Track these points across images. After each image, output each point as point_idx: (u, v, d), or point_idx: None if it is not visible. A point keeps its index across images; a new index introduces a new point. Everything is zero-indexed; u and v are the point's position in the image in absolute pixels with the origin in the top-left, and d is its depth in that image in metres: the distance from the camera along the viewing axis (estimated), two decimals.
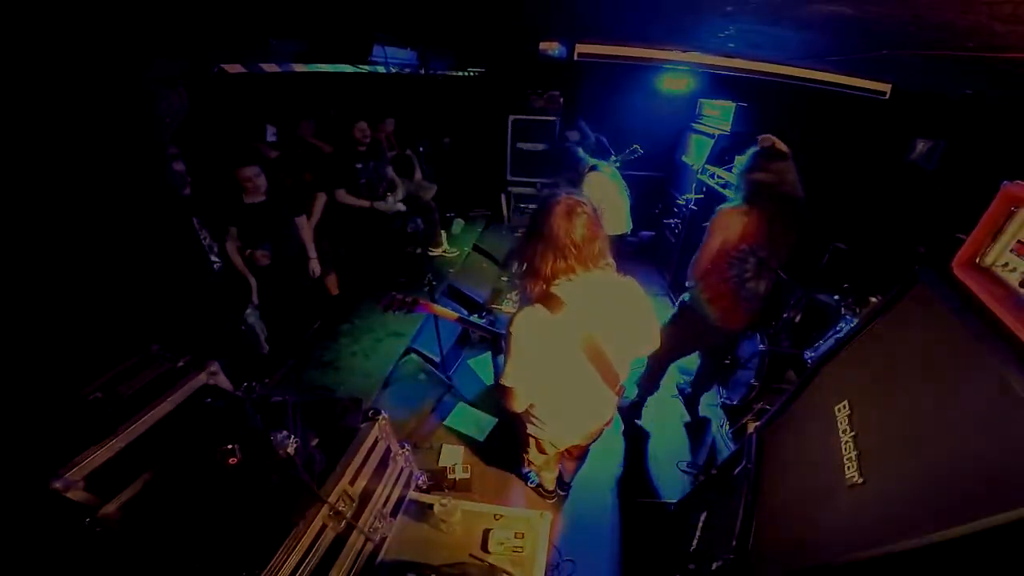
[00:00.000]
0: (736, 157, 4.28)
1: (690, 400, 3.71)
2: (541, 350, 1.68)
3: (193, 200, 3.24)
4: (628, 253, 4.81)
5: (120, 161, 2.46)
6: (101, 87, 2.30)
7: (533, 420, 2.10)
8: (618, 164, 4.77)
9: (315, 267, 3.93)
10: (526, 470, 3.08)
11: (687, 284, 2.94)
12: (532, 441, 2.26)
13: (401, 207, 4.74)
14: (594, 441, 2.34)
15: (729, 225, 2.60)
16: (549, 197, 1.63)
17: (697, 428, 3.61)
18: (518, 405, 1.91)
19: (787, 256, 2.68)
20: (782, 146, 2.60)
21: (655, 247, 6.17)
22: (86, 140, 2.25)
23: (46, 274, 2.07)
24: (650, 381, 3.44)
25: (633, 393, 3.48)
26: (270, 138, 4.40)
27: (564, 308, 1.61)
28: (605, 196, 4.08)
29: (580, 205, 1.60)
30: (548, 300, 1.62)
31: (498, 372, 1.83)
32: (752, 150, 2.66)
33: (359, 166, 4.43)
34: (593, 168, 4.15)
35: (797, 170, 2.56)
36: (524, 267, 1.67)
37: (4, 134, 1.92)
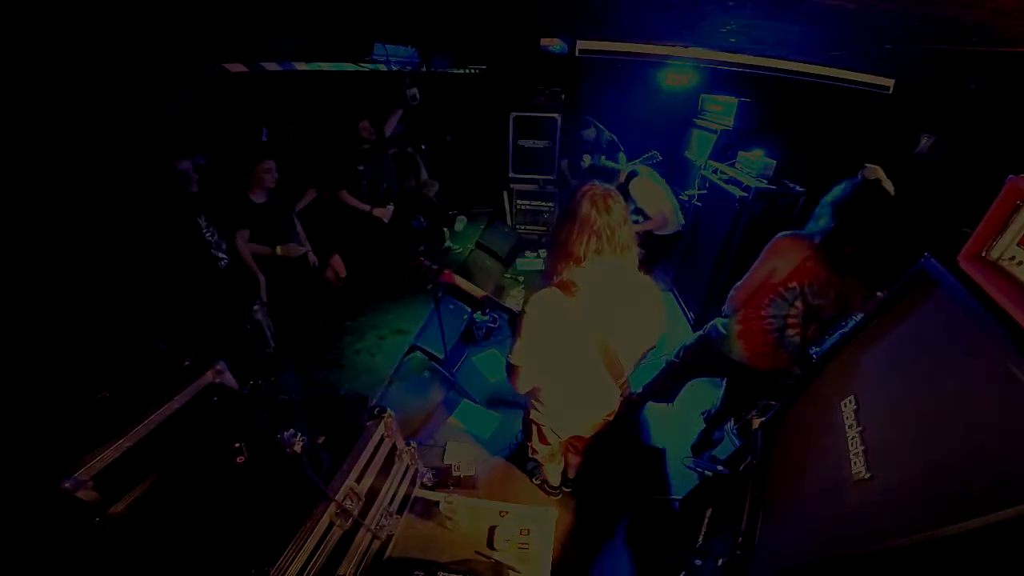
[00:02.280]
0: (739, 153, 4.32)
1: (704, 431, 3.39)
2: (551, 332, 1.72)
3: (200, 198, 3.24)
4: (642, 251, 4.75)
5: (122, 161, 2.47)
6: (102, 86, 2.31)
7: (536, 404, 2.13)
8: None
9: (313, 258, 3.95)
10: (531, 464, 3.09)
11: (723, 311, 2.64)
12: (535, 428, 2.29)
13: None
14: (597, 434, 2.36)
15: (785, 255, 2.25)
16: (581, 185, 1.68)
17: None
18: (522, 385, 1.93)
19: (853, 313, 2.29)
20: (889, 185, 2.15)
21: (656, 242, 6.16)
22: (87, 139, 2.26)
23: (51, 274, 2.08)
24: (659, 391, 3.30)
25: (636, 390, 3.46)
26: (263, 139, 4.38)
27: (579, 295, 1.66)
28: (653, 198, 4.11)
29: (611, 193, 1.65)
30: (565, 285, 1.67)
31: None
32: (850, 180, 2.21)
33: (361, 168, 4.43)
34: (632, 174, 4.14)
35: (898, 217, 2.16)
36: (556, 249, 1.70)
37: (5, 134, 1.92)
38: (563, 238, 1.66)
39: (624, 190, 4.10)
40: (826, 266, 2.18)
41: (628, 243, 1.68)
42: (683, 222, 4.43)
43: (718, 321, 2.69)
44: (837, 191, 2.20)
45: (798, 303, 2.28)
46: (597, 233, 1.61)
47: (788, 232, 2.33)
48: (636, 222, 4.17)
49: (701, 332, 2.85)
